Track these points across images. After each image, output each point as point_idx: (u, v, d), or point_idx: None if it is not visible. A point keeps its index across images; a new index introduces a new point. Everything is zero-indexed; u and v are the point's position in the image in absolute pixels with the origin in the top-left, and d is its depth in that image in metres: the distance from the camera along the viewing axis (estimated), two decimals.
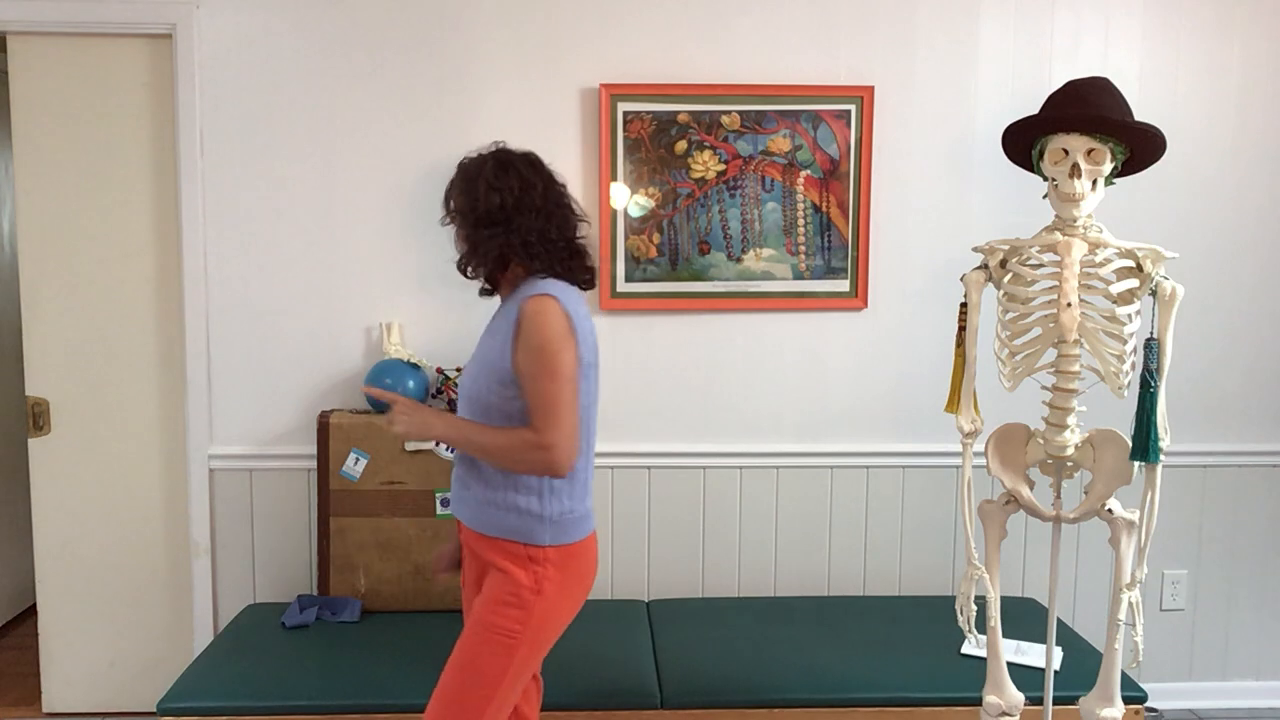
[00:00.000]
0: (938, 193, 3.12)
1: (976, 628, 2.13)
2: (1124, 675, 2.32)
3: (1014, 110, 3.08)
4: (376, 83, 3.01)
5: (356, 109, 3.01)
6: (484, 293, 2.08)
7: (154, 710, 2.54)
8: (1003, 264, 2.06)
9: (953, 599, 3.06)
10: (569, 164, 3.02)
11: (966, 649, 2.68)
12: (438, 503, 2.91)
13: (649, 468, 3.11)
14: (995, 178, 3.08)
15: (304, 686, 2.48)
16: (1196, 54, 3.12)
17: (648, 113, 3.02)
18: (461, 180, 1.98)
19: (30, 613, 3.94)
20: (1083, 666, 2.56)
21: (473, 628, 1.93)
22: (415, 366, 2.98)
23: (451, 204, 2.00)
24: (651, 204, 3.04)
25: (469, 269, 1.99)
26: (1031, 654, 2.64)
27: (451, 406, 2.99)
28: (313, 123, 3.01)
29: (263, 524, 3.12)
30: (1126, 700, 2.13)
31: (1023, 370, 2.03)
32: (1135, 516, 2.01)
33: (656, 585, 3.19)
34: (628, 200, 3.04)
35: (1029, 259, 2.03)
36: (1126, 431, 2.00)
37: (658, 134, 3.03)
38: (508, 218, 1.93)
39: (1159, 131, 1.98)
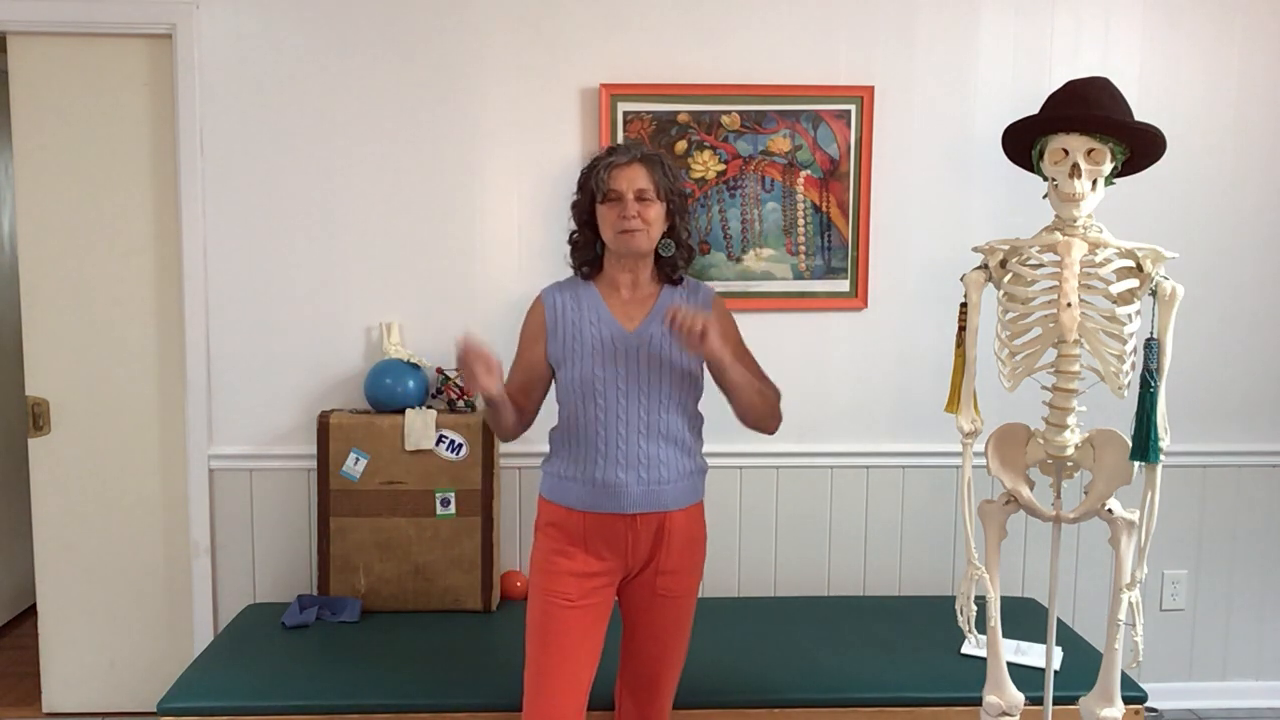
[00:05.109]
0: (938, 193, 3.12)
1: (976, 628, 2.12)
2: (1124, 675, 2.32)
3: (1014, 110, 3.06)
4: (376, 82, 3.01)
5: (356, 109, 3.01)
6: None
7: (154, 710, 2.54)
8: (1003, 264, 2.06)
9: (953, 599, 3.05)
10: (569, 164, 3.01)
11: (966, 649, 2.68)
12: (438, 503, 2.91)
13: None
14: (995, 178, 3.08)
15: (304, 686, 2.48)
16: (1196, 54, 3.12)
17: (648, 113, 3.02)
18: (671, 168, 2.15)
19: (30, 613, 3.94)
20: (1083, 666, 2.56)
21: (691, 598, 2.20)
22: (415, 366, 2.98)
23: (673, 187, 2.14)
24: None
25: (662, 250, 2.16)
26: (1031, 654, 2.64)
27: (451, 406, 2.99)
28: (313, 123, 3.01)
29: (263, 524, 3.12)
30: (1126, 700, 2.13)
31: (1023, 370, 2.03)
32: (1135, 516, 2.01)
33: None
34: None
35: (1029, 259, 2.03)
36: (1126, 431, 2.00)
37: (658, 134, 3.03)
38: (687, 210, 2.21)
39: (1159, 131, 1.98)
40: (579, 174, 2.19)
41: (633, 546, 2.12)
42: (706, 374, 2.19)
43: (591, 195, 2.13)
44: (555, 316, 2.16)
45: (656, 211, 2.10)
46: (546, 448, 2.23)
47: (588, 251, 2.19)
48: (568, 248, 2.23)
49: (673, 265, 2.18)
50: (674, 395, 2.12)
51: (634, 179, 2.08)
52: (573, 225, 2.22)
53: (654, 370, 2.10)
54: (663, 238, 2.15)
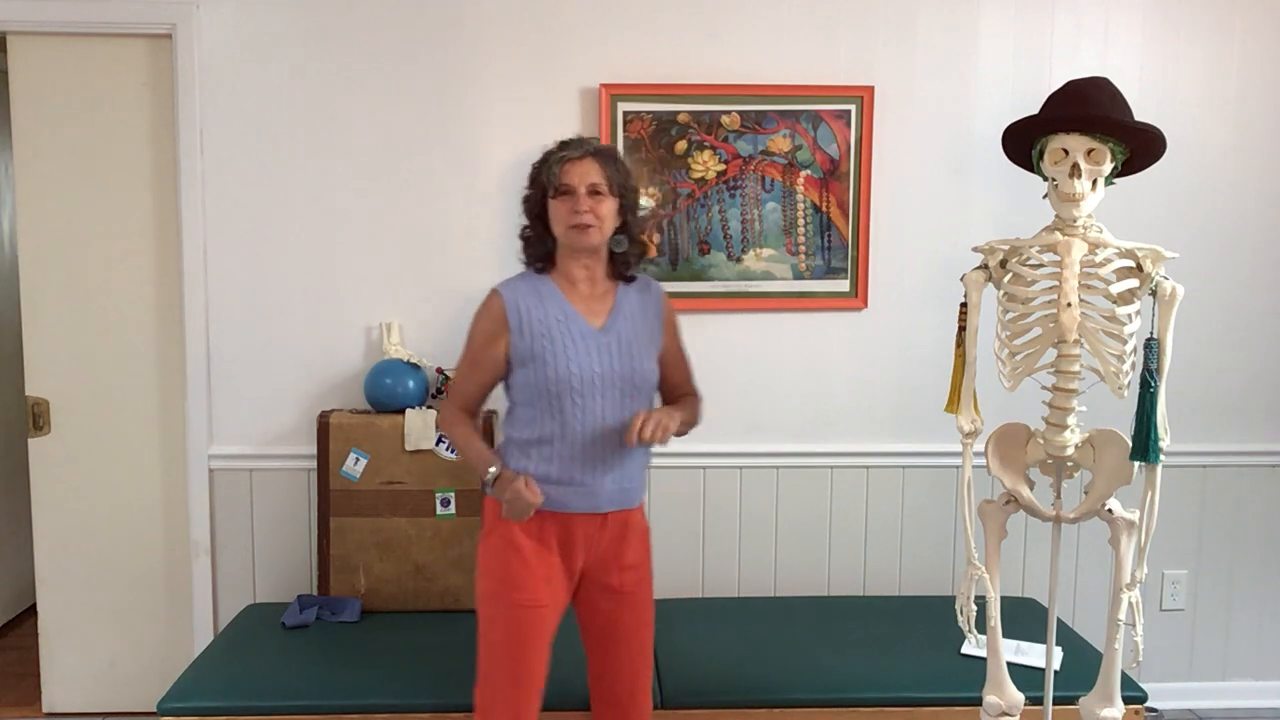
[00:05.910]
0: (938, 193, 3.12)
1: (976, 628, 2.13)
2: (1124, 675, 2.32)
3: (1014, 110, 3.05)
4: (376, 83, 3.01)
5: (356, 109, 3.01)
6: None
7: (154, 710, 2.54)
8: (1003, 264, 2.06)
9: (953, 599, 3.05)
10: None
11: (966, 649, 2.68)
12: (438, 503, 2.91)
13: (649, 468, 3.12)
14: (995, 178, 3.08)
15: (304, 686, 2.48)
16: (1196, 54, 3.12)
17: (648, 113, 3.02)
18: (623, 163, 2.15)
19: (30, 613, 3.94)
20: (1083, 666, 2.56)
21: (651, 589, 2.22)
22: (415, 366, 2.98)
23: (626, 182, 2.12)
24: (651, 204, 3.04)
25: (614, 246, 2.14)
26: (1031, 654, 2.64)
27: None
28: (313, 123, 3.01)
29: (263, 524, 3.12)
30: (1126, 700, 2.13)
31: (1023, 370, 2.03)
32: (1135, 516, 2.01)
33: (657, 585, 3.11)
34: None
35: (1029, 259, 2.03)
36: (1126, 431, 2.00)
37: (658, 134, 3.03)
38: (639, 206, 2.22)
39: (1159, 131, 1.98)
40: (530, 168, 2.16)
41: (600, 544, 2.13)
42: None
43: (543, 189, 2.10)
44: (519, 314, 2.11)
45: (609, 207, 2.08)
46: None
47: (540, 247, 2.17)
48: (519, 243, 2.21)
49: (625, 262, 2.17)
50: (641, 390, 2.12)
51: (586, 174, 2.06)
52: (524, 220, 2.18)
53: (624, 367, 2.10)
54: (615, 233, 2.13)
